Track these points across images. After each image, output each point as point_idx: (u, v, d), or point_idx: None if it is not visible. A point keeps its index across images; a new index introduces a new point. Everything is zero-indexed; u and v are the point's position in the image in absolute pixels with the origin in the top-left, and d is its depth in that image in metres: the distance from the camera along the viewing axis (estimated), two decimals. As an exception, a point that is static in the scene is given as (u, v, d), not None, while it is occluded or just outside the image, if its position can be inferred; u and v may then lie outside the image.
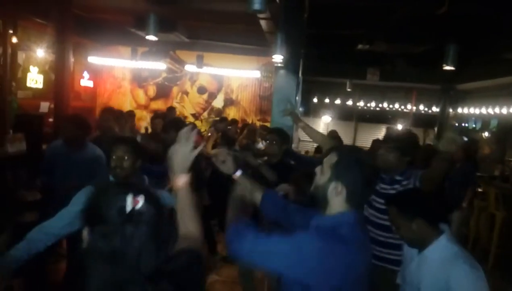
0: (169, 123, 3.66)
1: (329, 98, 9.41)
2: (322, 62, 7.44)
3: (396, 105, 9.22)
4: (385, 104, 9.24)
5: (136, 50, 7.84)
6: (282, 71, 4.83)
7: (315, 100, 9.48)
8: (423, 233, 1.61)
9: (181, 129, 3.35)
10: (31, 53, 7.20)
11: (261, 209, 1.58)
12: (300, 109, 9.34)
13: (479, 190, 5.66)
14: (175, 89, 9.40)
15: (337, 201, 1.29)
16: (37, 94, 7.18)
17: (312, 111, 10.00)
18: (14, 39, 5.75)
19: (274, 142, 3.07)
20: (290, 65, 4.79)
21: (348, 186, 1.28)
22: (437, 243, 1.60)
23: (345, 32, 6.52)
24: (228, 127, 5.45)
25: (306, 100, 8.85)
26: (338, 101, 9.42)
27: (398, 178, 2.21)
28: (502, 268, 5.03)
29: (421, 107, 9.03)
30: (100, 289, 0.90)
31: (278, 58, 4.37)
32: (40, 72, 7.35)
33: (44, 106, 6.87)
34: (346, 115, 9.69)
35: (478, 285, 1.49)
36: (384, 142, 2.32)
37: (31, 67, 7.17)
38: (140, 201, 0.93)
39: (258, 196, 1.59)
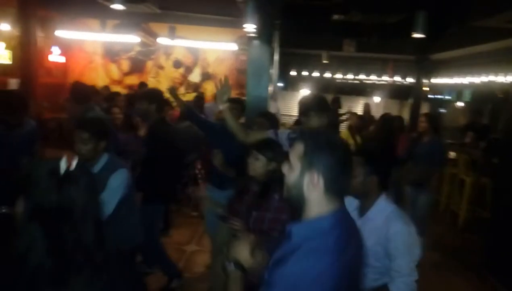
0: (142, 94, 3.58)
1: (307, 71, 9.35)
2: (298, 34, 7.34)
3: (373, 77, 9.25)
4: (363, 76, 9.26)
5: (105, 22, 7.55)
6: (255, 42, 4.75)
7: (293, 73, 9.41)
8: (372, 189, 1.83)
9: (154, 100, 3.27)
10: (-5, 27, 6.86)
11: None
12: (279, 84, 9.28)
13: (450, 157, 5.83)
14: (149, 64, 9.17)
15: (315, 194, 1.13)
16: (6, 71, 6.88)
17: (290, 84, 9.95)
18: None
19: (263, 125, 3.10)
20: (264, 35, 4.71)
21: (325, 173, 1.11)
22: (377, 205, 1.83)
23: (321, 3, 6.43)
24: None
25: (284, 74, 8.76)
26: (316, 74, 9.38)
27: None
28: (471, 230, 5.28)
29: (397, 78, 9.09)
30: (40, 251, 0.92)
31: (250, 27, 4.29)
32: (8, 48, 7.03)
33: (13, 83, 6.62)
34: (324, 88, 9.67)
35: (411, 238, 1.79)
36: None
37: (-4, 42, 6.85)
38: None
39: None
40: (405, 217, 1.84)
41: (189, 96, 8.08)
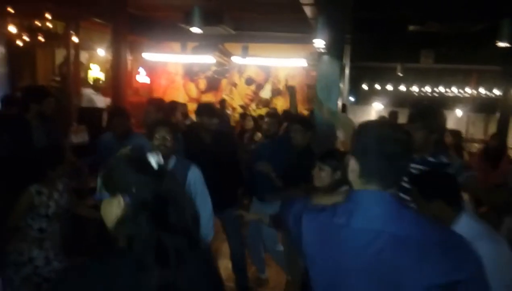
0: (201, 108, 3.58)
1: (379, 84, 9.09)
2: (371, 47, 7.22)
3: (454, 90, 8.66)
4: (442, 89, 8.71)
5: (186, 45, 8.17)
6: (325, 57, 4.78)
7: (364, 87, 9.20)
8: (442, 214, 1.63)
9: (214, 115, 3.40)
10: (93, 52, 7.82)
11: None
12: (350, 98, 9.13)
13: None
14: (224, 82, 9.66)
15: (352, 178, 1.13)
16: (100, 91, 7.77)
17: (361, 98, 9.73)
18: (76, 40, 6.28)
19: (298, 131, 3.13)
20: (333, 50, 4.70)
21: (360, 159, 1.10)
22: (459, 224, 1.60)
23: (394, 14, 6.27)
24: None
25: (355, 88, 8.62)
26: (389, 87, 9.06)
27: (430, 159, 2.12)
28: None
29: (482, 90, 8.39)
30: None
31: (319, 43, 4.34)
32: (101, 70, 7.96)
33: (105, 101, 7.44)
34: (399, 101, 9.28)
35: (504, 259, 1.53)
36: (409, 122, 2.16)
37: (92, 65, 7.79)
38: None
39: None
40: (495, 235, 1.63)
41: (260, 112, 8.33)
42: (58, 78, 6.84)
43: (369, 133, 1.12)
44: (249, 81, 9.53)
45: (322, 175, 2.22)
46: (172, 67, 9.82)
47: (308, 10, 5.13)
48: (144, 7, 6.87)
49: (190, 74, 9.78)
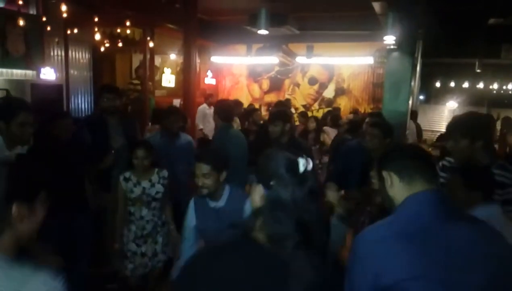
0: (275, 114, 3.53)
1: (454, 82, 8.49)
2: (445, 42, 6.78)
3: (542, 86, 7.83)
4: (527, 86, 7.93)
5: (251, 46, 8.35)
6: (395, 54, 4.61)
7: (437, 84, 8.66)
8: (474, 203, 1.76)
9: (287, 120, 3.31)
10: (165, 57, 8.33)
11: None
12: (420, 96, 8.65)
13: None
14: (287, 82, 9.71)
15: (394, 189, 1.22)
16: (170, 93, 8.27)
17: (433, 97, 9.17)
18: (151, 45, 6.74)
19: (375, 136, 2.93)
20: (405, 46, 4.52)
21: (396, 168, 1.22)
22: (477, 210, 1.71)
23: (473, 7, 5.83)
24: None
25: (426, 86, 8.16)
26: (466, 85, 8.43)
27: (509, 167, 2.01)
28: None
29: None
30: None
31: (390, 39, 4.19)
32: (173, 73, 8.45)
33: (176, 103, 7.89)
34: (476, 100, 8.60)
35: None
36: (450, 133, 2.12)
37: (165, 69, 8.29)
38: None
39: None
40: None
41: (322, 112, 8.23)
42: (136, 81, 7.39)
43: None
44: (312, 81, 9.46)
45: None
46: (236, 68, 10.09)
47: (377, 6, 4.98)
48: (211, 12, 7.16)
49: (254, 75, 9.98)
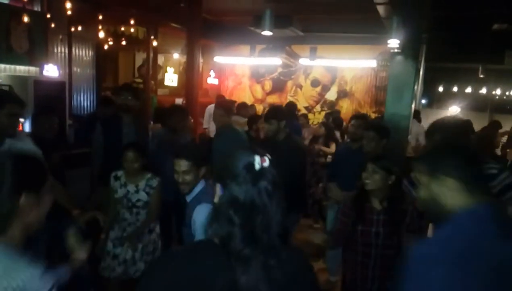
0: (270, 112, 3.47)
1: (457, 87, 8.48)
2: (449, 47, 6.78)
3: (545, 93, 7.82)
4: (530, 92, 7.92)
5: (255, 47, 8.35)
6: (398, 57, 4.59)
7: (440, 89, 8.65)
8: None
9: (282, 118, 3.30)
10: (169, 56, 8.33)
11: None
12: (423, 101, 8.64)
13: None
14: (289, 83, 9.70)
15: (451, 196, 1.14)
16: (173, 92, 8.27)
17: (436, 101, 9.17)
18: (155, 43, 6.74)
19: (372, 139, 2.96)
20: (408, 50, 4.50)
21: (458, 174, 1.13)
22: None
23: (478, 12, 5.83)
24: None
25: (429, 90, 8.14)
26: (468, 90, 8.42)
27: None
28: None
29: None
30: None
31: (393, 43, 4.19)
32: (176, 72, 8.45)
33: (178, 102, 7.89)
34: (479, 105, 8.59)
35: None
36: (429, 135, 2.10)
37: (168, 68, 8.29)
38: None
39: None
40: None
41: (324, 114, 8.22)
42: (138, 80, 7.40)
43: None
44: (314, 83, 9.46)
45: (376, 178, 2.14)
46: (239, 69, 10.09)
47: (381, 9, 4.98)
48: (215, 12, 7.17)
49: (257, 75, 9.97)
